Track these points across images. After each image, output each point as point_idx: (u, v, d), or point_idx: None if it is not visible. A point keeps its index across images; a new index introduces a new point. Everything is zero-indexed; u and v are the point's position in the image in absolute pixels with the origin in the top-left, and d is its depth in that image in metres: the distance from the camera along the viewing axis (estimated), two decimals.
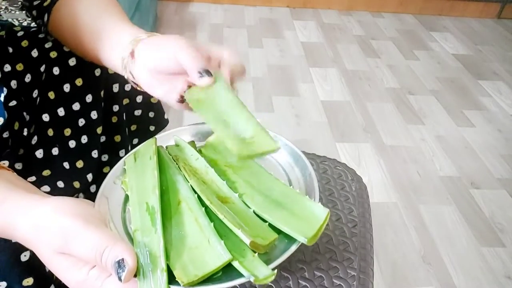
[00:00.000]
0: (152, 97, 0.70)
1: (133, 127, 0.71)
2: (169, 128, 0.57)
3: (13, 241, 0.41)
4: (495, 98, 1.79)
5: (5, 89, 0.55)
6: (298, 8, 2.42)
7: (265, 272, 0.34)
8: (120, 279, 0.33)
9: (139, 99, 0.68)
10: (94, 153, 0.62)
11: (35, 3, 0.58)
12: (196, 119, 0.51)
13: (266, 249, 0.37)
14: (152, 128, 0.73)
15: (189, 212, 0.39)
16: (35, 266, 0.48)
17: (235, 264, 0.34)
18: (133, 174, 0.44)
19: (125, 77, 0.50)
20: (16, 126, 0.56)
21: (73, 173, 0.60)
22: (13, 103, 0.56)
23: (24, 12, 0.63)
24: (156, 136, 0.53)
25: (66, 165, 0.60)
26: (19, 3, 0.62)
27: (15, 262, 0.45)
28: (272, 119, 1.51)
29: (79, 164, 0.61)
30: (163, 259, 0.34)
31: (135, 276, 0.33)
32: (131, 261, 0.33)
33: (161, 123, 0.73)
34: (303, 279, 0.50)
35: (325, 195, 0.61)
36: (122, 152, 0.68)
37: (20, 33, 0.61)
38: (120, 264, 0.33)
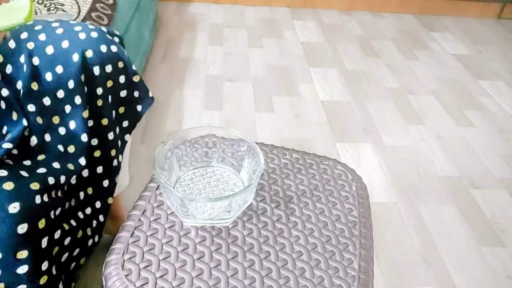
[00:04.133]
0: (134, 75, 0.71)
1: (121, 110, 0.72)
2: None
3: None
4: (495, 98, 1.79)
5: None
6: (298, 8, 2.42)
7: None
8: None
9: (122, 79, 0.69)
10: (84, 137, 0.64)
11: None
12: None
13: None
14: (139, 108, 0.74)
15: None
16: (31, 240, 0.48)
17: None
18: None
19: None
20: (15, 116, 0.57)
21: (66, 156, 0.62)
22: (5, 92, 0.58)
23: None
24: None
25: (60, 147, 0.62)
26: None
27: (11, 233, 0.47)
28: (272, 119, 1.51)
29: (71, 149, 0.63)
30: None
31: None
32: None
33: (147, 101, 0.74)
34: (303, 279, 0.50)
35: (325, 195, 0.61)
36: (110, 135, 0.69)
37: None
38: None
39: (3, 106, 0.60)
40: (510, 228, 1.20)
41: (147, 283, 0.47)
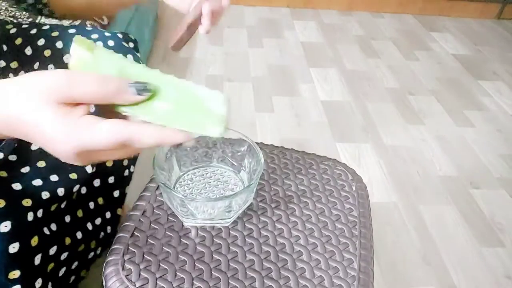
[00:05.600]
0: None
1: None
2: None
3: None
4: (495, 98, 1.79)
5: None
6: (298, 8, 2.42)
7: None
8: (147, 89, 0.36)
9: None
10: None
11: None
12: None
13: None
14: None
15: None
16: (23, 259, 0.47)
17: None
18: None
19: None
20: None
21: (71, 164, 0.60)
22: None
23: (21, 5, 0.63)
24: None
25: None
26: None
27: (2, 253, 0.45)
28: (272, 119, 1.51)
29: None
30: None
31: None
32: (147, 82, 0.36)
33: None
34: (303, 279, 0.50)
35: (325, 195, 0.61)
36: None
37: (13, 31, 0.61)
38: (138, 84, 0.36)
39: None
40: (510, 228, 1.20)
41: (147, 283, 0.47)
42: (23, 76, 0.35)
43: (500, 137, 1.56)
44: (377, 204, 1.22)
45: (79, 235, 0.61)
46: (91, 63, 0.37)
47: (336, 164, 0.68)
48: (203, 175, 0.61)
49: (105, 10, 0.60)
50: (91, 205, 0.65)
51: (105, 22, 1.10)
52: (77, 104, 0.34)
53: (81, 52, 0.37)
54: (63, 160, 0.36)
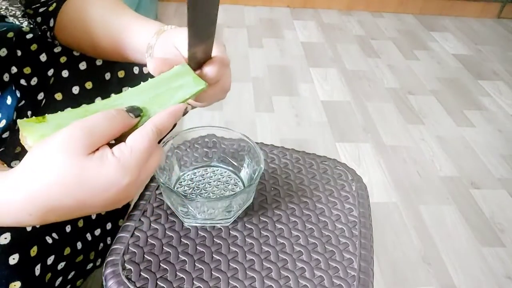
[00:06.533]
0: None
1: None
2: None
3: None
4: (495, 98, 1.79)
5: (18, 92, 0.55)
6: (298, 8, 2.42)
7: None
8: (139, 109, 0.38)
9: None
10: None
11: (41, 10, 0.58)
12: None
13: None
14: None
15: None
16: (24, 270, 0.47)
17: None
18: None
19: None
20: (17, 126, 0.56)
21: None
22: (21, 102, 0.57)
23: (26, 18, 0.63)
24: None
25: None
26: (22, 11, 0.62)
27: (3, 265, 0.45)
28: (272, 119, 1.51)
29: None
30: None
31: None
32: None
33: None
34: (303, 279, 0.50)
35: (325, 195, 0.61)
36: None
37: (29, 36, 0.61)
38: (130, 108, 0.38)
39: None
40: (510, 228, 1.20)
41: (147, 283, 0.47)
42: (33, 153, 0.34)
43: (501, 137, 1.56)
44: (377, 204, 1.22)
45: (79, 245, 0.61)
46: (49, 129, 0.37)
47: (336, 164, 0.68)
48: (203, 175, 0.61)
49: (107, 57, 0.58)
50: (93, 215, 0.65)
51: None
52: (96, 149, 0.34)
53: (34, 128, 0.36)
54: (121, 202, 0.36)
